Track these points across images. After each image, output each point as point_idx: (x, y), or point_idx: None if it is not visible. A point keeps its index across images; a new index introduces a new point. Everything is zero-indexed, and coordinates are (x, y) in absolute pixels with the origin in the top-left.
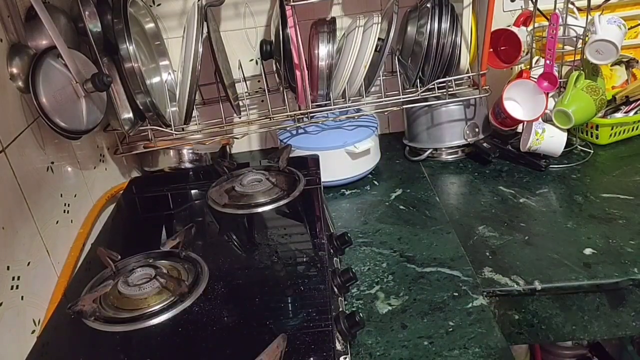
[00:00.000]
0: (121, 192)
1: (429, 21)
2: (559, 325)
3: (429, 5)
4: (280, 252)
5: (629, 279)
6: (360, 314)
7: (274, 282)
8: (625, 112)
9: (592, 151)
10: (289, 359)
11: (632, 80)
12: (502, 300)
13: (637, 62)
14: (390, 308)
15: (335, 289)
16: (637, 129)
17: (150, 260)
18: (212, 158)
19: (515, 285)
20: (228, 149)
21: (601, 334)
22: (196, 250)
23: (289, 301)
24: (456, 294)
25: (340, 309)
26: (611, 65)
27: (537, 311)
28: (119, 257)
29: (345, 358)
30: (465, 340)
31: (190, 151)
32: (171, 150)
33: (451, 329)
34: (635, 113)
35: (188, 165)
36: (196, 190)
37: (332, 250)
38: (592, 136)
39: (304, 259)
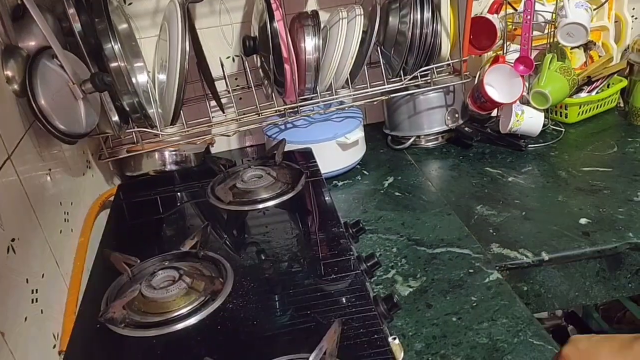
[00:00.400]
0: (112, 198)
1: (412, 11)
2: (563, 293)
3: None
4: (300, 243)
5: (626, 243)
6: (396, 295)
7: (303, 272)
8: (588, 92)
9: (563, 129)
10: (341, 343)
11: (590, 62)
12: (512, 273)
13: (595, 44)
14: (411, 290)
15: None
16: (601, 106)
17: (166, 263)
18: (205, 158)
19: (525, 258)
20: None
21: (601, 298)
22: (212, 249)
23: (325, 289)
24: (471, 270)
25: (374, 294)
26: (570, 49)
27: (544, 281)
28: (138, 260)
29: (395, 339)
30: (492, 313)
31: (174, 153)
32: (156, 153)
33: (475, 304)
34: (597, 92)
35: (173, 167)
36: (193, 191)
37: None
38: (561, 116)
39: (327, 248)
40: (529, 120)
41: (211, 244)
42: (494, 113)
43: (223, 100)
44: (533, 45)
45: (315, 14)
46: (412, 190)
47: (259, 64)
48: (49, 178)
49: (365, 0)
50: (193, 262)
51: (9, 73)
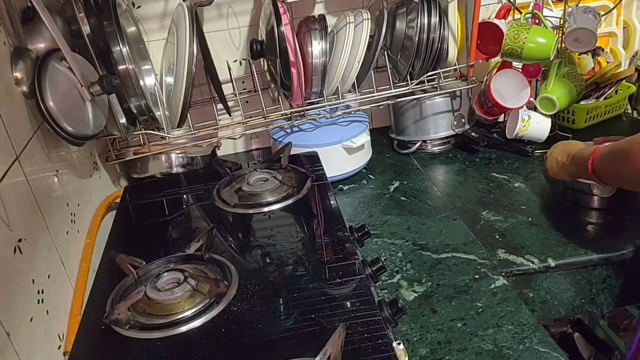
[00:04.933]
0: (118, 199)
1: (419, 16)
2: (569, 300)
3: (416, 0)
4: (305, 247)
5: (633, 250)
6: (401, 300)
7: (307, 276)
8: (595, 98)
9: (571, 135)
10: (345, 348)
11: (598, 68)
12: (518, 280)
13: (603, 50)
14: (416, 295)
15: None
16: (609, 112)
17: (172, 265)
18: (211, 160)
19: (531, 264)
20: (216, 152)
21: (607, 305)
22: (217, 252)
23: (329, 293)
24: (477, 276)
25: (378, 298)
26: (578, 55)
27: (550, 288)
28: (143, 262)
29: (399, 344)
30: (497, 319)
31: (181, 155)
32: (162, 156)
33: (480, 310)
34: (605, 98)
35: (180, 169)
36: (199, 193)
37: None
38: (569, 121)
39: (332, 252)
40: (536, 125)
41: (216, 246)
42: (501, 118)
43: (230, 104)
44: None
45: (322, 18)
46: (418, 195)
47: (265, 68)
48: (56, 179)
49: (372, 4)
50: (198, 264)
51: (18, 75)
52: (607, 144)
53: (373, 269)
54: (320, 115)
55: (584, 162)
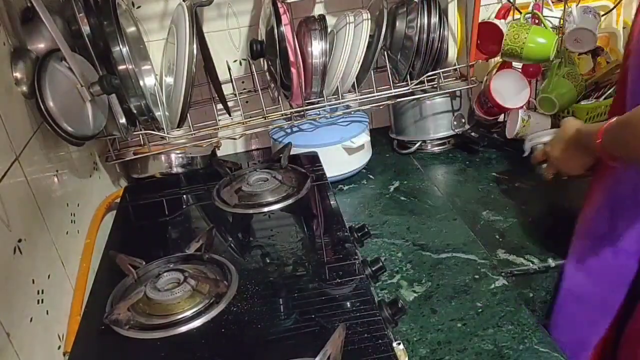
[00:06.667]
0: (118, 199)
1: (419, 16)
2: None
3: (416, 0)
4: (305, 247)
5: None
6: (401, 300)
7: (307, 276)
8: (595, 98)
9: None
10: (345, 348)
11: (598, 68)
12: (518, 280)
13: (603, 50)
14: (415, 295)
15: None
16: (607, 113)
17: (172, 265)
18: (211, 160)
19: (531, 264)
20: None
21: None
22: (217, 252)
23: (329, 293)
24: (477, 276)
25: (378, 298)
26: (578, 55)
27: (550, 288)
28: (143, 262)
29: (399, 344)
30: (497, 319)
31: (180, 155)
32: (162, 156)
33: (480, 310)
34: (605, 98)
35: (179, 169)
36: (198, 193)
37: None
38: None
39: (332, 252)
40: (536, 125)
41: (216, 246)
42: (501, 118)
43: (230, 104)
44: None
45: (322, 18)
46: (418, 195)
47: (265, 68)
48: (56, 179)
49: (372, 4)
50: (198, 264)
51: (18, 75)
52: (614, 118)
53: (373, 269)
54: (320, 115)
55: (592, 140)
